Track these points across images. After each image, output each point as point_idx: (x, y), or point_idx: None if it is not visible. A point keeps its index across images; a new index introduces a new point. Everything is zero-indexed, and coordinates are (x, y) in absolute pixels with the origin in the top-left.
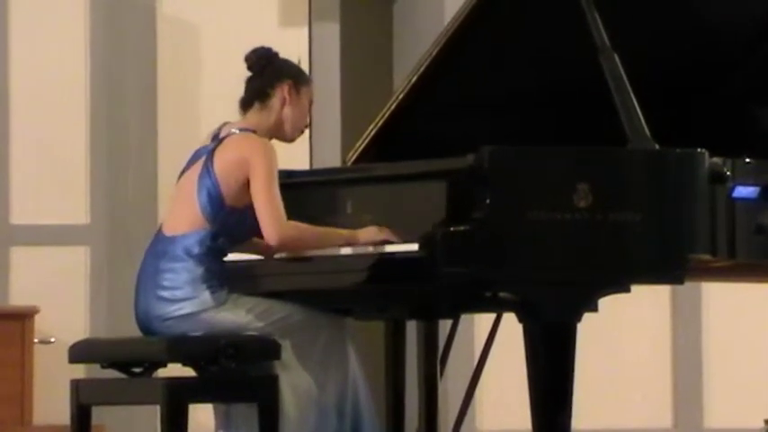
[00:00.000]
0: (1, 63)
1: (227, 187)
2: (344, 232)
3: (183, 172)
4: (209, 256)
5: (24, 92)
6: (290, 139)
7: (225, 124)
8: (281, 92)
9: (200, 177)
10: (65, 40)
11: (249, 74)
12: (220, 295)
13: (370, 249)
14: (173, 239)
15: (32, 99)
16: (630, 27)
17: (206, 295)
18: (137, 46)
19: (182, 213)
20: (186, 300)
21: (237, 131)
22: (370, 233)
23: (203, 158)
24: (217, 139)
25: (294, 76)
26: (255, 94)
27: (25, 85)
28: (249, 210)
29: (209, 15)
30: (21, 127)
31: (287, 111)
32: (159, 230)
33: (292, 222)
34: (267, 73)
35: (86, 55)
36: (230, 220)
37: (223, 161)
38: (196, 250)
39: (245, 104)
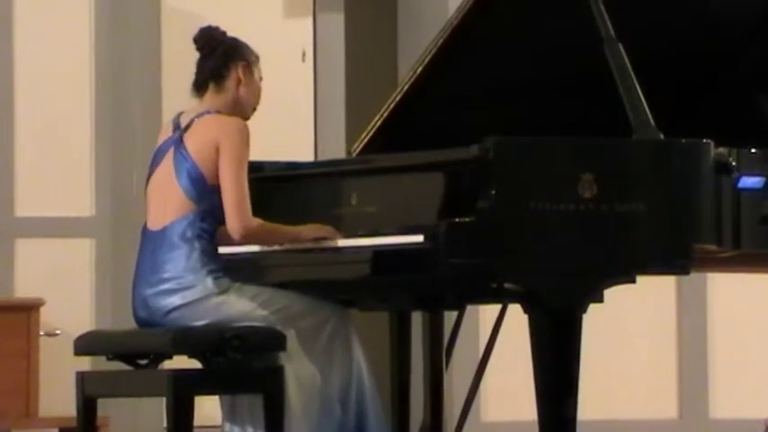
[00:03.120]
0: (5, 55)
1: (206, 167)
2: (290, 230)
3: (150, 175)
4: (201, 238)
5: (29, 84)
6: (247, 118)
7: (182, 113)
8: (236, 72)
9: (176, 163)
10: (69, 31)
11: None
12: (223, 282)
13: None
14: (163, 231)
15: (37, 91)
16: (634, 17)
17: (208, 281)
18: (141, 37)
19: (165, 205)
20: (189, 287)
21: (204, 114)
22: (311, 230)
23: (171, 149)
24: (179, 128)
25: (246, 56)
26: (209, 75)
27: (29, 78)
28: None
29: (213, 6)
30: (25, 119)
31: (242, 90)
32: (145, 229)
33: (256, 220)
34: (219, 53)
35: (91, 46)
36: (215, 198)
37: (196, 143)
38: (189, 234)
39: (200, 86)
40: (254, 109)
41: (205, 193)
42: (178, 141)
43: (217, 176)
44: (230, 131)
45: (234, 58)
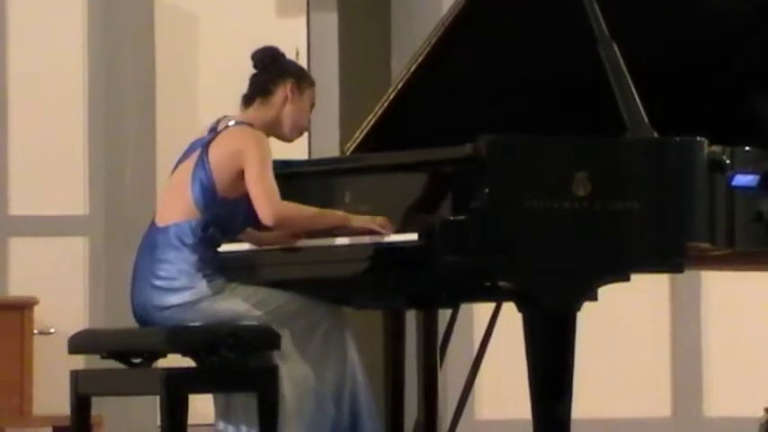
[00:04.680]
0: None
1: (221, 179)
2: (339, 213)
3: (178, 163)
4: (201, 245)
5: (22, 83)
6: (289, 139)
7: (223, 117)
8: (284, 89)
9: (195, 169)
10: (63, 30)
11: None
12: (217, 284)
13: (365, 238)
14: (165, 229)
15: (30, 90)
16: (629, 16)
17: (203, 284)
18: (135, 36)
19: (174, 204)
20: (183, 290)
21: (234, 124)
22: (364, 220)
23: (198, 150)
24: (214, 131)
25: (298, 76)
26: (258, 90)
27: (23, 77)
28: (240, 200)
29: (207, 5)
30: (19, 118)
31: (287, 109)
32: (152, 222)
33: (286, 202)
34: (271, 70)
35: (84, 45)
36: (222, 210)
37: (218, 153)
38: (189, 239)
39: (248, 100)
40: (301, 133)
41: (212, 204)
42: (205, 146)
43: (229, 190)
44: (250, 142)
45: (284, 76)
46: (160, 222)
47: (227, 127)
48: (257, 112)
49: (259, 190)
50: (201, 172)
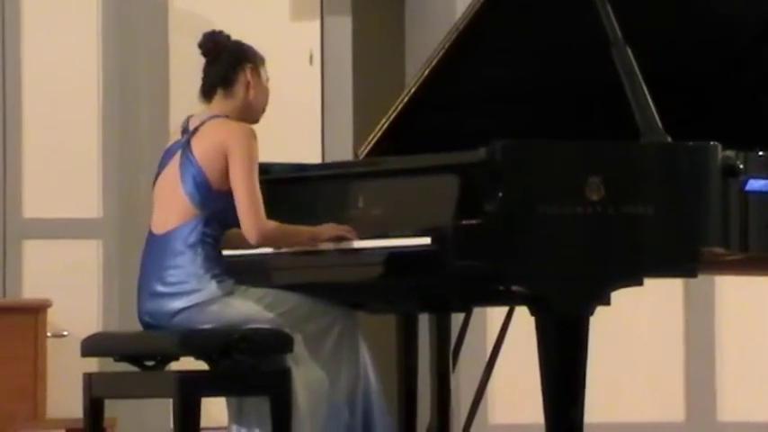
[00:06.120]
0: (14, 58)
1: (212, 172)
2: (308, 230)
3: (157, 175)
4: (204, 244)
5: (37, 87)
6: (256, 121)
7: (191, 116)
8: (244, 76)
9: (182, 168)
10: (77, 33)
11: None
12: (227, 285)
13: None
14: (167, 236)
15: (45, 94)
16: (642, 20)
17: (212, 285)
18: (148, 40)
19: (169, 210)
20: (193, 292)
21: (210, 118)
22: (329, 230)
23: (179, 152)
24: (187, 131)
25: (252, 59)
26: (218, 81)
27: (38, 80)
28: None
29: (220, 9)
30: (33, 121)
31: (252, 94)
32: (150, 233)
33: (271, 222)
34: (225, 58)
35: (98, 49)
36: (219, 204)
37: (202, 147)
38: (192, 239)
39: (208, 92)
40: (263, 110)
41: (209, 199)
42: (185, 145)
43: (222, 182)
44: (238, 137)
45: (241, 62)
46: (158, 231)
47: (204, 122)
48: (223, 103)
49: (245, 205)
50: (190, 168)
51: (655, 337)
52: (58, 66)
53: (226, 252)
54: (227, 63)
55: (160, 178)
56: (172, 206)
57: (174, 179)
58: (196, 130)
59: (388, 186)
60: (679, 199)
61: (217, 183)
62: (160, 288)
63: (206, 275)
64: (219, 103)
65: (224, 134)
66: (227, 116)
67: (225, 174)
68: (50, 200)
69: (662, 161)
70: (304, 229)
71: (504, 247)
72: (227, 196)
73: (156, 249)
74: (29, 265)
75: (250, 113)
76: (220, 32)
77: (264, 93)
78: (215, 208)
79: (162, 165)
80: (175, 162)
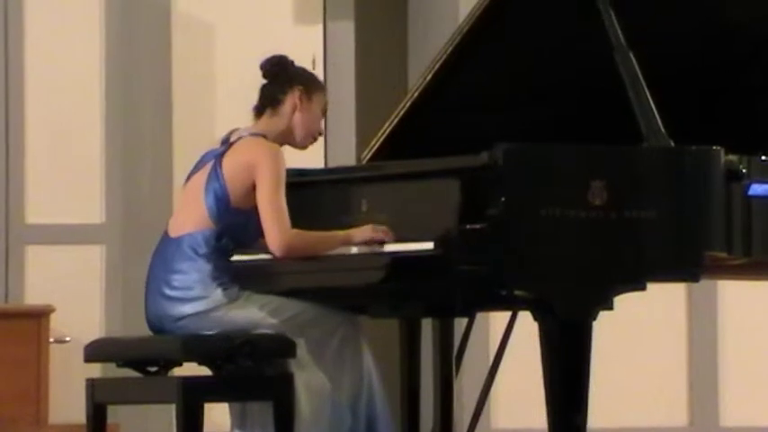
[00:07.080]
0: (16, 62)
1: (234, 190)
2: (340, 234)
3: (190, 175)
4: (215, 255)
5: (39, 91)
6: (302, 146)
7: (235, 129)
8: (293, 98)
9: (209, 180)
10: (80, 38)
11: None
12: (232, 292)
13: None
14: (179, 240)
15: (47, 98)
16: (645, 25)
17: (218, 293)
18: (151, 44)
19: (187, 215)
20: (198, 299)
21: (247, 135)
22: (365, 232)
23: (212, 162)
24: (226, 143)
25: (306, 83)
26: (267, 101)
27: (40, 85)
28: (253, 211)
29: (223, 13)
30: (36, 126)
31: (297, 116)
32: (165, 233)
33: (296, 231)
34: (279, 79)
35: (101, 53)
36: (235, 220)
37: (232, 164)
38: (202, 249)
39: (258, 111)
40: (315, 139)
41: (226, 214)
42: (218, 158)
43: (242, 200)
44: (265, 155)
45: (292, 84)
46: (173, 233)
47: (240, 138)
48: (268, 122)
49: (271, 218)
50: (215, 183)
51: (658, 342)
52: (60, 71)
53: (235, 258)
54: (279, 84)
55: (191, 181)
56: (190, 212)
57: (198, 187)
58: (231, 144)
59: (391, 191)
60: (682, 203)
61: (237, 200)
62: (167, 291)
63: (212, 283)
64: (265, 121)
65: (252, 153)
66: (264, 135)
67: (247, 192)
68: (53, 205)
69: (665, 166)
70: (332, 235)
71: (506, 251)
72: (244, 214)
73: (166, 251)
74: (32, 270)
75: (293, 137)
76: (284, 56)
77: (314, 119)
78: (230, 223)
79: (196, 168)
80: (205, 171)
